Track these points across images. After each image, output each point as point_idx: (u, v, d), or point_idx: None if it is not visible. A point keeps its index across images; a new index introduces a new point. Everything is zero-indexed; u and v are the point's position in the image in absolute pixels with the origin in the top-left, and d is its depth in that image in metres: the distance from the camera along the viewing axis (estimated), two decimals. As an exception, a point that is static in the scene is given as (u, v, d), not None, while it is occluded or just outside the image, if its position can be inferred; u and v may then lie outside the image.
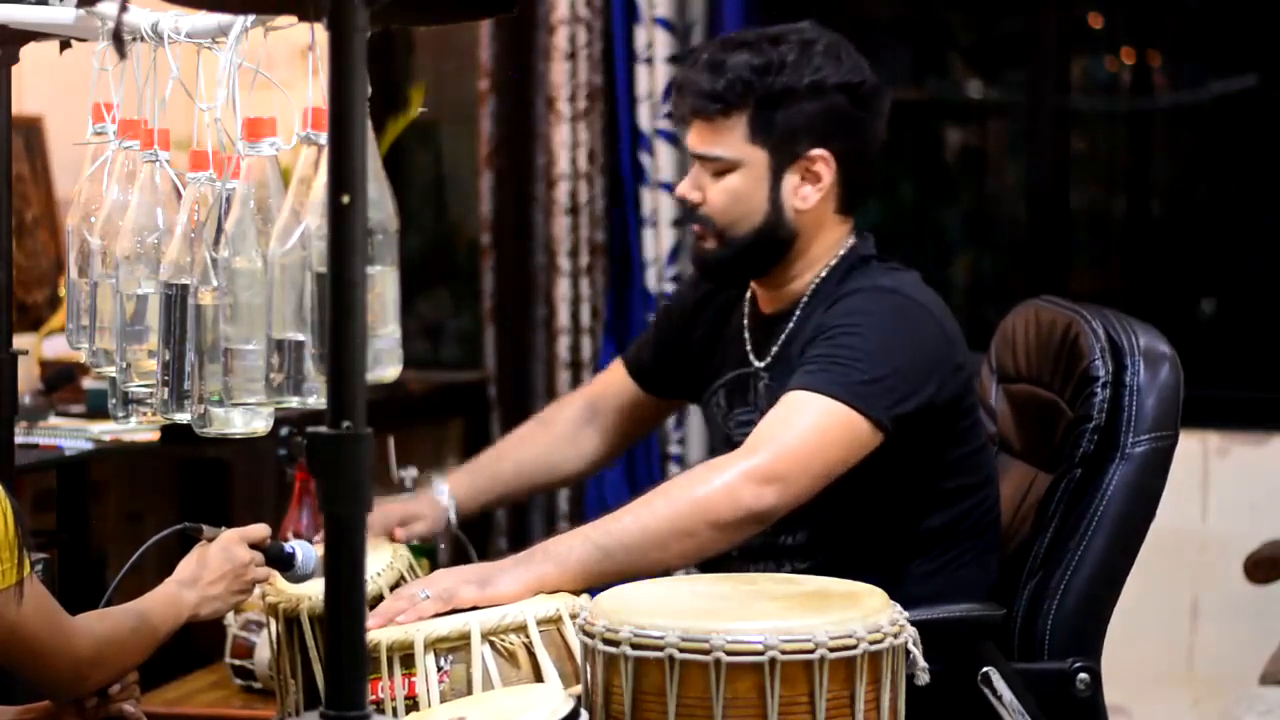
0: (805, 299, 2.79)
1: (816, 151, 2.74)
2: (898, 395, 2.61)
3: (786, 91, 2.72)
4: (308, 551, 2.50)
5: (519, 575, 2.44)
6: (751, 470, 2.52)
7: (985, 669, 2.59)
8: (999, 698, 2.57)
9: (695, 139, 2.78)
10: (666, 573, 2.58)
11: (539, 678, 2.29)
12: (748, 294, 2.91)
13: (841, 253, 2.81)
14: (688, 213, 2.84)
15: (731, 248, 2.78)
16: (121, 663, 2.34)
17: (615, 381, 3.10)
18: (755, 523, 2.53)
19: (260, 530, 2.46)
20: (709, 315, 2.97)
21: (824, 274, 2.79)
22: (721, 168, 2.75)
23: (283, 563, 2.48)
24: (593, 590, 2.45)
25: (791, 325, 2.80)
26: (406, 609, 2.39)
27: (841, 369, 2.60)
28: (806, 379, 2.61)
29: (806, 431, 2.56)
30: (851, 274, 2.78)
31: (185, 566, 2.42)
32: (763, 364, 2.84)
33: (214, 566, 2.41)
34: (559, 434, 3.09)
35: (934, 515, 2.75)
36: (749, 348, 2.87)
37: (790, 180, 2.75)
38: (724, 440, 2.87)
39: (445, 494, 2.95)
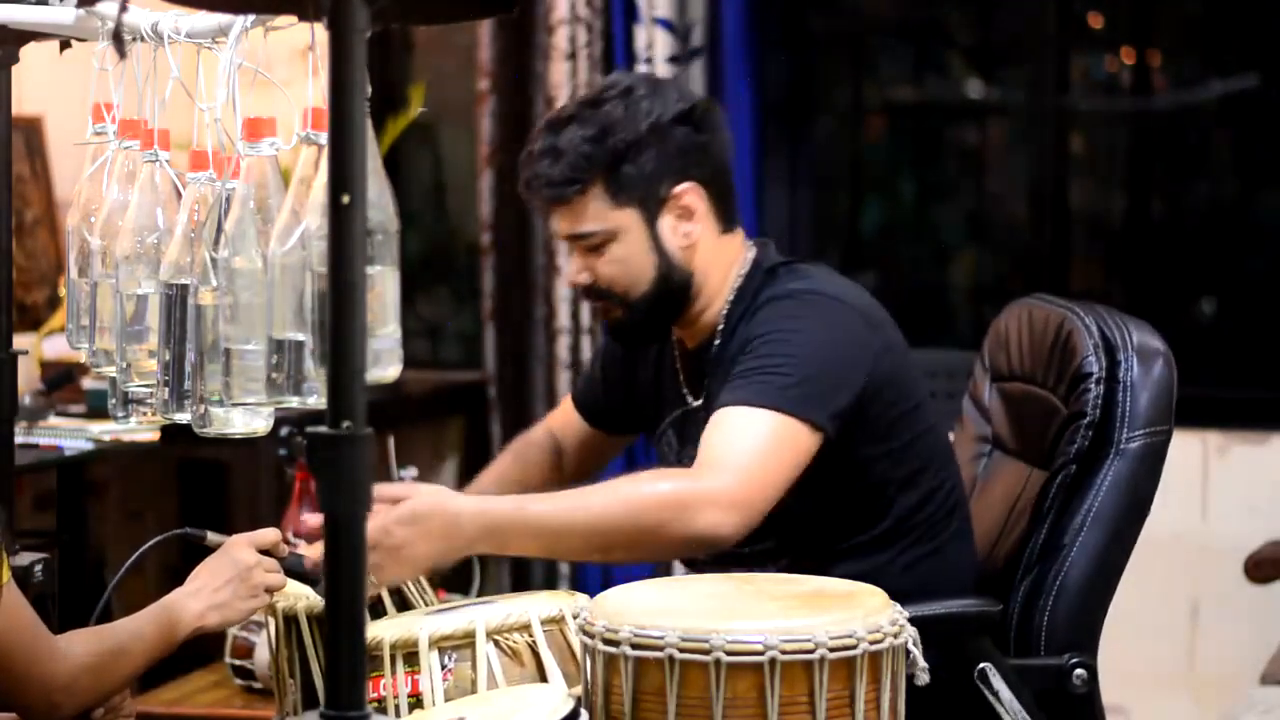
0: (721, 326, 2.80)
1: (681, 188, 2.75)
2: (830, 393, 2.63)
3: (630, 146, 2.72)
4: None
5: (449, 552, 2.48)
6: (715, 494, 2.51)
7: (982, 665, 2.59)
8: (996, 694, 2.57)
9: (563, 224, 2.77)
10: (666, 571, 2.59)
11: (543, 677, 2.30)
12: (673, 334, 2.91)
13: (745, 270, 2.81)
14: (585, 293, 2.83)
15: (639, 311, 2.78)
16: (99, 690, 2.23)
17: (569, 418, 3.11)
18: (706, 547, 2.55)
19: (270, 535, 2.38)
20: (650, 354, 2.96)
21: (732, 296, 2.80)
22: (598, 241, 2.75)
23: (311, 580, 2.40)
24: (591, 590, 2.45)
25: (714, 353, 2.80)
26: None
27: (770, 378, 2.61)
28: (738, 393, 2.61)
29: (757, 450, 2.56)
30: (762, 289, 2.78)
31: (191, 578, 2.34)
32: (699, 401, 2.84)
33: (218, 573, 2.32)
34: (535, 470, 3.08)
35: (894, 505, 2.75)
36: (684, 387, 2.88)
37: (666, 224, 2.75)
38: None
39: None
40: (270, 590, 2.36)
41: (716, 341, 2.80)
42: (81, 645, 2.22)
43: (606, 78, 2.85)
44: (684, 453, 2.87)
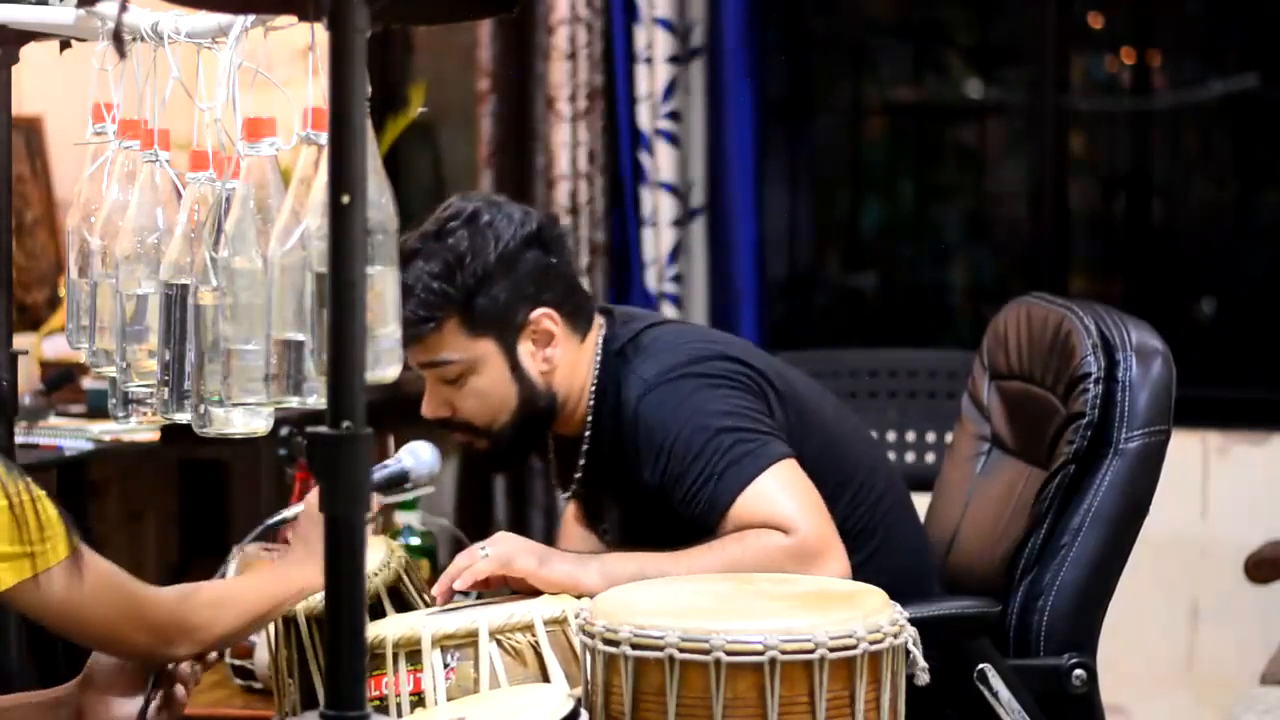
0: (590, 418, 2.73)
1: (536, 314, 2.67)
2: (766, 426, 2.63)
3: (482, 278, 2.63)
4: (419, 455, 2.52)
5: (569, 571, 2.50)
6: (811, 543, 2.53)
7: (981, 665, 2.59)
8: (995, 694, 2.57)
9: (417, 355, 2.67)
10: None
11: (545, 677, 2.30)
12: None
13: (599, 357, 2.74)
14: (443, 425, 2.74)
15: (503, 439, 2.71)
16: (230, 627, 2.19)
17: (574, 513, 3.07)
18: None
19: None
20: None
21: (594, 386, 2.73)
22: (457, 371, 2.66)
23: (396, 483, 2.48)
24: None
25: (585, 449, 2.75)
26: (466, 565, 2.51)
27: (728, 456, 2.58)
28: (725, 494, 2.57)
29: (792, 499, 2.56)
30: (620, 378, 2.71)
31: (292, 549, 2.32)
32: (566, 494, 2.83)
33: (313, 534, 2.28)
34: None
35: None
36: (555, 478, 2.87)
37: (525, 350, 2.68)
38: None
39: None
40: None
41: (587, 433, 2.74)
42: (193, 590, 2.19)
43: (444, 205, 2.73)
44: (596, 527, 2.90)
